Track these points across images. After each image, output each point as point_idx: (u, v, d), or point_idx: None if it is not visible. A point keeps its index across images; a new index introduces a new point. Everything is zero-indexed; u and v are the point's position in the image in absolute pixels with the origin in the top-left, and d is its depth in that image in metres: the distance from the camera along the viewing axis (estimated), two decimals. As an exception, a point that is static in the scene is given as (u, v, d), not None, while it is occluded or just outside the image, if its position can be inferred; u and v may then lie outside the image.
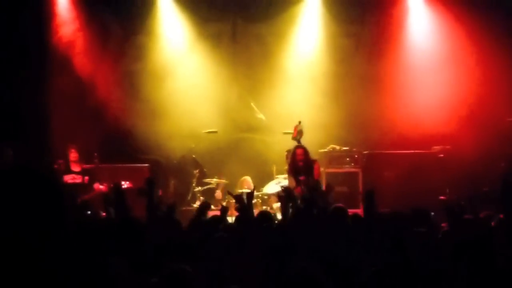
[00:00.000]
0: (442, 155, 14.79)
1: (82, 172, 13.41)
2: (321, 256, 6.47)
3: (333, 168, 15.02)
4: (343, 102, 15.82)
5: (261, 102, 15.94)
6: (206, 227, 7.69)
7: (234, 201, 13.65)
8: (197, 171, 14.87)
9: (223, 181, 15.05)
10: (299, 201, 9.06)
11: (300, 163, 13.08)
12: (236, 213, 8.38)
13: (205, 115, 15.69)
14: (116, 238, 6.60)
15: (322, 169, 14.63)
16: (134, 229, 6.85)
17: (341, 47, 16.34)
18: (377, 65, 16.12)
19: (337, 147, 15.20)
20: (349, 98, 15.89)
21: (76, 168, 13.43)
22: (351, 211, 9.47)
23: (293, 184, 13.00)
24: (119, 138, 15.70)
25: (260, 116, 15.71)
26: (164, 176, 15.24)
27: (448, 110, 15.49)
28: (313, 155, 14.09)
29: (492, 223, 8.09)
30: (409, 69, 16.09)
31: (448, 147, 15.02)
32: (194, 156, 15.02)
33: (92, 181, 13.34)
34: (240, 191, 13.98)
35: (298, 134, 13.50)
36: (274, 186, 14.33)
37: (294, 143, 13.49)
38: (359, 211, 12.35)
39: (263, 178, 14.98)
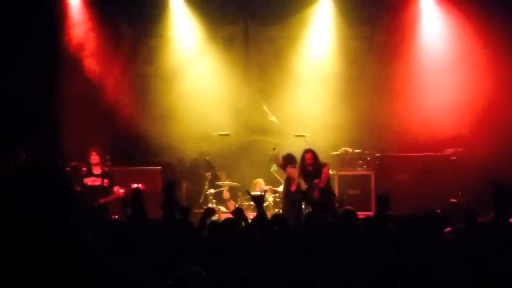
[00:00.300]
0: (454, 158, 14.76)
1: (102, 175, 13.41)
2: (331, 259, 6.48)
3: (346, 170, 15.02)
4: (355, 104, 15.81)
5: (273, 104, 15.94)
6: (221, 230, 7.69)
7: (246, 203, 13.75)
8: (209, 173, 14.87)
9: (233, 183, 15.04)
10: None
11: (309, 167, 13.10)
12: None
13: (217, 118, 15.70)
14: (131, 241, 6.62)
15: (334, 171, 14.64)
16: (150, 232, 6.87)
17: (353, 49, 16.34)
18: (389, 67, 16.11)
19: (350, 150, 15.19)
20: (361, 100, 15.89)
21: (96, 170, 13.43)
22: (363, 213, 9.47)
23: (304, 186, 13.05)
24: (131, 141, 15.74)
25: (272, 118, 15.70)
26: (176, 178, 15.24)
27: (461, 112, 15.45)
28: (326, 157, 14.10)
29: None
30: (421, 71, 16.06)
31: (460, 149, 14.99)
32: (207, 158, 15.02)
33: (112, 184, 13.35)
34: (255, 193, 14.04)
35: (280, 160, 13.49)
36: (285, 188, 14.32)
37: (306, 146, 13.54)
38: (372, 213, 12.32)
39: (275, 181, 14.96)
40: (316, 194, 12.64)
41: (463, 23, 15.66)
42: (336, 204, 12.47)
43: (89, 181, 13.31)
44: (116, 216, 12.45)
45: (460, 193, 14.05)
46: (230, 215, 9.97)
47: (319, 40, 16.47)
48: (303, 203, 12.25)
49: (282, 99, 16.01)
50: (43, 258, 3.40)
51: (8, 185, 3.49)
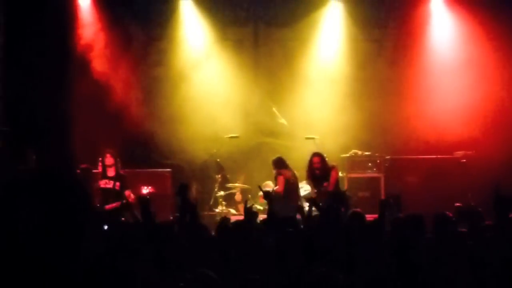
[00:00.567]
0: (464, 160, 14.73)
1: (115, 178, 13.40)
2: (339, 261, 6.50)
3: (355, 173, 15.01)
4: (365, 107, 15.80)
5: (282, 106, 15.95)
6: (232, 233, 7.71)
7: (256, 206, 13.76)
8: (219, 175, 14.88)
9: (243, 185, 15.04)
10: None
11: (317, 171, 13.14)
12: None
13: (227, 120, 15.72)
14: (143, 244, 6.64)
15: (343, 174, 14.65)
16: (161, 234, 6.89)
17: (363, 52, 16.33)
18: (399, 70, 16.10)
19: (359, 152, 15.18)
20: (371, 103, 15.88)
21: (110, 173, 13.43)
22: (373, 216, 9.46)
23: (313, 189, 13.09)
24: (141, 143, 15.76)
25: (282, 121, 15.72)
26: (186, 181, 15.23)
27: (471, 114, 15.44)
28: (335, 160, 14.11)
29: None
30: (431, 73, 16.05)
31: (470, 152, 14.96)
32: (218, 160, 15.03)
33: (123, 187, 13.35)
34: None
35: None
36: (297, 191, 14.34)
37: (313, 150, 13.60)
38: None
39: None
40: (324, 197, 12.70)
41: (473, 25, 15.64)
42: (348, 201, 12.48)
43: (102, 183, 13.33)
44: (123, 219, 12.47)
45: (470, 195, 13.99)
46: (240, 218, 10.00)
47: (329, 42, 16.47)
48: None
49: (291, 101, 16.02)
50: (53, 260, 3.42)
51: (19, 187, 3.51)
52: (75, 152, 14.94)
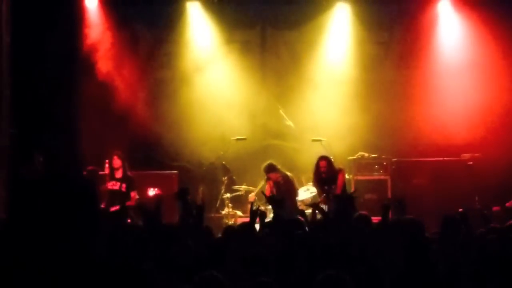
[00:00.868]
0: (471, 163, 14.71)
1: (122, 179, 13.47)
2: (348, 263, 6.50)
3: (362, 175, 15.02)
4: (372, 109, 15.80)
5: (289, 109, 15.95)
6: (238, 234, 7.73)
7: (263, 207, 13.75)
8: (225, 177, 14.89)
9: (249, 187, 15.04)
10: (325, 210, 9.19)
11: (323, 175, 13.16)
12: None
13: (234, 122, 15.73)
14: (149, 246, 6.66)
15: (350, 176, 14.66)
16: (167, 237, 6.91)
17: (370, 54, 16.33)
18: (406, 72, 16.12)
19: (366, 155, 15.19)
20: (378, 105, 15.87)
21: (118, 174, 13.51)
22: (379, 218, 9.45)
23: (320, 193, 13.10)
24: (148, 145, 15.79)
25: (289, 123, 15.73)
26: (192, 183, 15.27)
27: (478, 117, 15.43)
28: (342, 162, 14.12)
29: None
30: (439, 75, 16.03)
31: (477, 154, 14.94)
32: (224, 162, 15.04)
33: (130, 189, 13.42)
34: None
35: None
36: (303, 193, 14.35)
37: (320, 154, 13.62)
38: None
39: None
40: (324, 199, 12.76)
41: (480, 28, 15.62)
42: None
43: (110, 185, 13.41)
44: (129, 221, 12.52)
45: (476, 198, 13.98)
46: (247, 219, 10.00)
47: (336, 44, 16.44)
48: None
49: (298, 103, 16.01)
50: (61, 261, 3.45)
51: (29, 188, 3.54)
52: (82, 154, 14.97)
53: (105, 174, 13.73)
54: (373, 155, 15.19)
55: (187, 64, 16.21)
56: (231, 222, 14.16)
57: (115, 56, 15.84)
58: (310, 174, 13.71)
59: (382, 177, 15.03)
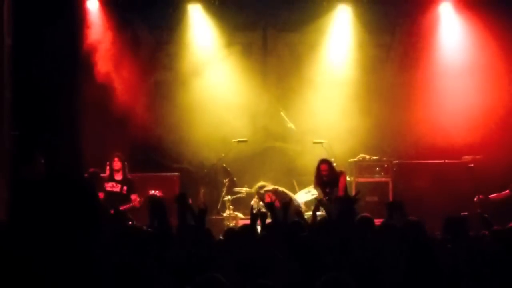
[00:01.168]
0: (472, 165, 14.68)
1: (122, 181, 13.49)
2: (350, 265, 6.50)
3: (363, 177, 15.02)
4: (373, 111, 15.82)
5: (291, 111, 15.96)
6: (238, 237, 7.73)
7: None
8: (227, 180, 14.89)
9: (250, 190, 15.04)
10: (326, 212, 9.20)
11: (325, 178, 13.20)
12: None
13: (235, 124, 15.74)
14: (151, 248, 6.66)
15: (351, 178, 14.66)
16: (169, 238, 6.92)
17: (371, 57, 16.33)
18: (407, 74, 16.12)
19: (367, 157, 15.19)
20: (379, 107, 15.90)
21: (118, 176, 13.53)
22: (381, 220, 9.46)
23: (321, 195, 13.10)
24: (149, 147, 15.80)
25: (290, 125, 15.73)
26: (194, 185, 15.28)
27: (479, 119, 15.43)
28: (343, 164, 14.12)
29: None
30: (440, 78, 16.04)
31: (478, 156, 14.93)
32: (224, 165, 15.04)
33: (130, 191, 13.44)
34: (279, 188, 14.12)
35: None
36: (304, 195, 14.35)
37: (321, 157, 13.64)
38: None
39: (293, 187, 14.98)
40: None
41: (482, 30, 15.62)
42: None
43: (108, 186, 13.41)
44: (130, 223, 12.52)
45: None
46: (248, 221, 10.00)
47: (337, 46, 16.45)
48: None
49: (300, 106, 16.02)
50: (62, 262, 3.44)
51: (30, 190, 3.54)
52: (83, 155, 14.98)
53: (106, 176, 13.74)
54: (374, 157, 15.19)
55: (189, 66, 16.22)
56: (232, 224, 14.16)
57: (116, 57, 15.85)
58: (311, 177, 13.70)
59: (383, 179, 15.03)
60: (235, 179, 14.99)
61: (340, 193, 13.05)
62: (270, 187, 14.05)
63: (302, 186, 14.74)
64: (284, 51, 16.56)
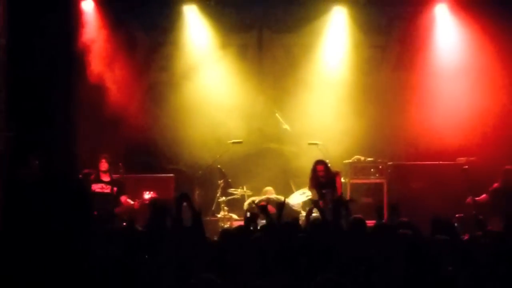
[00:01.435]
0: (467, 167, 14.69)
1: (111, 183, 13.46)
2: (343, 266, 6.52)
3: (358, 179, 15.02)
4: (368, 113, 15.83)
5: (286, 112, 15.96)
6: (233, 238, 7.73)
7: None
8: (221, 181, 14.88)
9: (246, 191, 15.04)
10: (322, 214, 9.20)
11: (321, 179, 13.16)
12: None
13: (230, 125, 15.74)
14: (144, 249, 6.66)
15: (346, 180, 14.66)
16: (164, 239, 6.91)
17: (366, 58, 16.35)
18: (403, 76, 16.16)
19: (362, 158, 15.18)
20: (374, 109, 15.91)
21: (105, 178, 13.48)
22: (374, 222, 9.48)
23: (316, 197, 13.06)
24: (144, 148, 15.79)
25: (285, 126, 15.73)
26: (188, 186, 15.26)
27: (473, 121, 15.46)
28: (338, 165, 14.12)
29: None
30: (435, 80, 16.06)
31: (473, 158, 14.94)
32: (219, 166, 15.03)
33: (120, 193, 13.41)
34: (270, 196, 14.15)
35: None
36: (298, 197, 14.35)
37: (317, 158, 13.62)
38: (384, 221, 12.30)
39: (288, 188, 14.99)
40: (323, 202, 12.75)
41: (477, 32, 15.64)
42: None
43: (97, 187, 13.34)
44: (125, 224, 12.51)
45: (472, 202, 13.94)
46: (242, 223, 10.02)
47: (333, 48, 16.47)
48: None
49: (295, 107, 16.03)
50: (56, 261, 3.44)
51: (24, 191, 3.54)
52: (78, 157, 14.96)
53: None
54: (369, 159, 15.19)
55: (184, 67, 16.22)
56: (226, 225, 14.16)
57: (111, 58, 15.84)
58: (306, 178, 13.69)
59: (378, 180, 15.02)
60: (229, 180, 14.99)
61: (339, 192, 13.04)
62: (262, 197, 14.13)
63: (298, 187, 14.74)
64: (280, 52, 16.56)
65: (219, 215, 14.52)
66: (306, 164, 13.97)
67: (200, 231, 7.95)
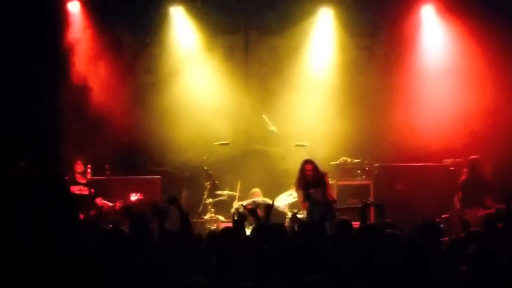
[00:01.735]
0: (453, 168, 14.75)
1: (88, 184, 13.44)
2: (330, 268, 6.52)
3: (345, 180, 15.05)
4: (355, 114, 15.84)
5: (273, 114, 15.94)
6: (220, 240, 7.72)
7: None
8: (208, 183, 14.87)
9: (232, 192, 15.04)
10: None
11: (309, 178, 13.07)
12: None
13: (217, 127, 15.73)
14: (132, 251, 6.64)
15: (333, 181, 14.67)
16: (151, 241, 6.90)
17: (353, 60, 16.38)
18: (389, 78, 16.17)
19: (349, 160, 15.22)
20: (361, 110, 15.93)
21: (81, 180, 13.46)
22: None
23: (301, 198, 12.99)
24: (131, 150, 15.76)
25: (272, 128, 15.71)
26: (175, 188, 15.23)
27: (460, 122, 15.50)
28: (325, 167, 14.11)
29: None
30: (421, 81, 16.09)
31: (459, 160, 14.98)
32: (206, 168, 15.02)
33: (96, 194, 13.40)
34: (257, 199, 14.15)
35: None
36: (285, 198, 14.35)
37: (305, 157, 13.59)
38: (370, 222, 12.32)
39: (275, 190, 14.98)
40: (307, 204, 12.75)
41: (463, 33, 15.69)
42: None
43: (75, 189, 13.30)
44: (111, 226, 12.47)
45: (458, 204, 13.98)
46: (229, 224, 10.01)
47: (319, 49, 16.50)
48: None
49: (282, 109, 16.02)
50: (43, 266, 3.42)
51: (10, 193, 3.52)
52: (64, 159, 14.91)
53: (94, 179, 13.68)
54: (356, 160, 15.23)
55: (170, 68, 16.19)
56: (213, 227, 14.14)
57: (98, 60, 15.80)
58: (293, 180, 13.66)
59: (364, 182, 15.07)
60: (216, 182, 14.99)
61: (329, 191, 12.97)
62: (249, 201, 14.14)
63: (285, 189, 14.73)
64: (266, 54, 16.57)
65: (206, 217, 14.50)
66: (293, 165, 13.94)
67: (189, 234, 7.93)
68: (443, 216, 13.47)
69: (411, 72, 16.14)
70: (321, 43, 16.50)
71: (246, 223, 9.87)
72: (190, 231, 7.98)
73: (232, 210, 14.41)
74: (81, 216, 12.30)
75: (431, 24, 16.35)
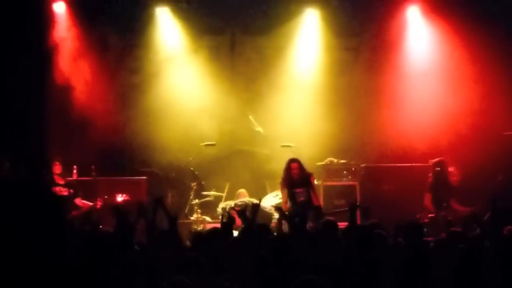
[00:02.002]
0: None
1: (67, 185, 13.42)
2: (315, 268, 6.52)
3: (331, 181, 15.06)
4: (341, 115, 15.86)
5: (259, 114, 15.95)
6: (207, 241, 7.71)
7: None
8: (194, 183, 14.85)
9: (218, 193, 15.03)
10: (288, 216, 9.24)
11: (295, 176, 13.03)
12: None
13: (203, 128, 15.71)
14: (117, 251, 6.62)
15: (319, 182, 14.68)
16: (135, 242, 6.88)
17: (339, 60, 16.39)
18: (375, 78, 16.17)
19: (335, 160, 15.23)
20: (347, 111, 15.95)
21: (60, 181, 13.44)
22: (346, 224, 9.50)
23: (285, 198, 12.97)
24: (116, 150, 15.71)
25: (258, 129, 15.72)
26: (161, 188, 15.21)
27: (446, 123, 15.54)
28: (311, 167, 14.12)
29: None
30: (407, 82, 16.12)
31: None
32: (192, 168, 15.00)
33: (75, 195, 13.38)
34: (244, 200, 14.15)
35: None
36: (272, 199, 14.34)
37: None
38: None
39: (261, 191, 14.99)
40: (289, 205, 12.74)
41: (449, 34, 15.74)
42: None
43: (56, 190, 13.28)
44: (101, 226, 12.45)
45: (444, 204, 14.01)
46: (216, 225, 9.99)
47: (305, 50, 16.52)
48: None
49: (268, 109, 16.02)
50: (28, 265, 3.41)
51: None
52: (49, 159, 14.85)
53: (72, 180, 13.65)
54: (342, 161, 15.24)
55: (156, 69, 16.16)
56: (199, 228, 14.13)
57: (82, 60, 15.75)
58: (279, 180, 13.65)
59: (351, 182, 15.08)
60: (203, 182, 14.98)
61: (314, 197, 12.95)
62: (237, 201, 14.13)
63: (271, 189, 14.74)
64: (252, 54, 16.55)
65: (192, 218, 14.48)
66: (279, 166, 13.93)
67: (176, 235, 7.93)
68: (429, 215, 13.50)
69: (397, 73, 16.16)
70: (307, 44, 16.52)
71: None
72: (176, 231, 7.97)
73: (218, 210, 14.41)
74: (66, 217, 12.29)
75: (416, 25, 16.39)
